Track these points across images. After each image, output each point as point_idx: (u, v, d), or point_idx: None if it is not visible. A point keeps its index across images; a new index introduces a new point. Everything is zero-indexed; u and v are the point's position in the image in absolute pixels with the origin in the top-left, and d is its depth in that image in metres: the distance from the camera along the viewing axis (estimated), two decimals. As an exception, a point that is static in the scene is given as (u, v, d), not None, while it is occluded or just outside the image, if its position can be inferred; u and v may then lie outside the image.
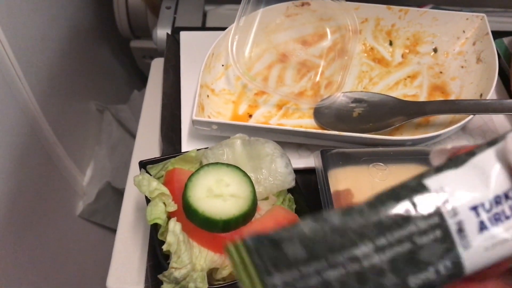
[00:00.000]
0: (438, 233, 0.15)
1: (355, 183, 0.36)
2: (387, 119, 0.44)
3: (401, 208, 0.15)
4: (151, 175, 0.37)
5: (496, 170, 0.16)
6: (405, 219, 0.15)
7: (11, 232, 0.50)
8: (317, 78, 0.50)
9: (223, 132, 0.42)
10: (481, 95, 0.44)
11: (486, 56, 0.47)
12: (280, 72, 0.51)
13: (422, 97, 0.49)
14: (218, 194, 0.33)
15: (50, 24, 0.58)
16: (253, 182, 0.35)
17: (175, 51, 0.53)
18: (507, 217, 0.15)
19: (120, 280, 0.39)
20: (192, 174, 0.34)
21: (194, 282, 0.31)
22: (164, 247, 0.32)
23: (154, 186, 0.34)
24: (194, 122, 0.42)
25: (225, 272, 0.33)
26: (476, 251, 0.15)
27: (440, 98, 0.49)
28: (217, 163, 0.35)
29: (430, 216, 0.15)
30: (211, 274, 0.34)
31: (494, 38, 0.47)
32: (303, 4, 0.51)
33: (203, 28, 0.62)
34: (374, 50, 0.53)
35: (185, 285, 0.31)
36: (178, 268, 0.31)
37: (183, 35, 0.54)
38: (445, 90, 0.49)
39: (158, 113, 0.50)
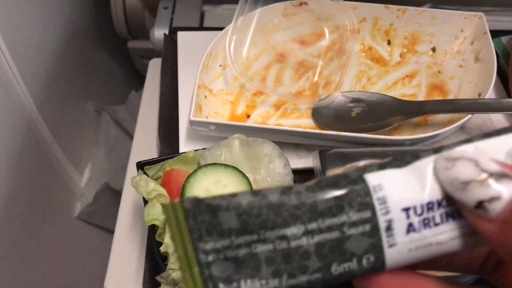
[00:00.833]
0: (367, 227, 0.15)
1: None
2: (385, 119, 0.44)
3: (337, 197, 0.15)
4: (148, 176, 0.37)
5: (434, 178, 0.16)
6: (339, 208, 0.15)
7: (9, 233, 0.50)
8: (315, 78, 0.50)
9: (221, 132, 0.42)
10: (479, 94, 0.44)
11: (484, 55, 0.47)
12: (278, 72, 0.51)
13: (421, 97, 0.49)
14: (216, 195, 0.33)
15: (47, 24, 0.58)
16: (251, 182, 0.35)
17: (172, 51, 0.53)
18: (436, 224, 0.15)
19: (118, 282, 0.39)
20: (190, 175, 0.34)
21: (192, 284, 0.31)
22: (162, 248, 0.32)
23: (152, 187, 0.34)
24: (191, 123, 0.42)
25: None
26: (400, 250, 0.15)
27: (438, 97, 0.49)
28: (215, 164, 0.35)
29: (362, 210, 0.15)
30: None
31: (493, 37, 0.47)
32: (301, 4, 0.51)
33: (201, 28, 0.61)
34: (372, 50, 0.53)
35: (183, 287, 0.31)
36: (176, 269, 0.31)
37: (181, 35, 0.54)
38: (443, 90, 0.49)
39: (156, 113, 0.50)
